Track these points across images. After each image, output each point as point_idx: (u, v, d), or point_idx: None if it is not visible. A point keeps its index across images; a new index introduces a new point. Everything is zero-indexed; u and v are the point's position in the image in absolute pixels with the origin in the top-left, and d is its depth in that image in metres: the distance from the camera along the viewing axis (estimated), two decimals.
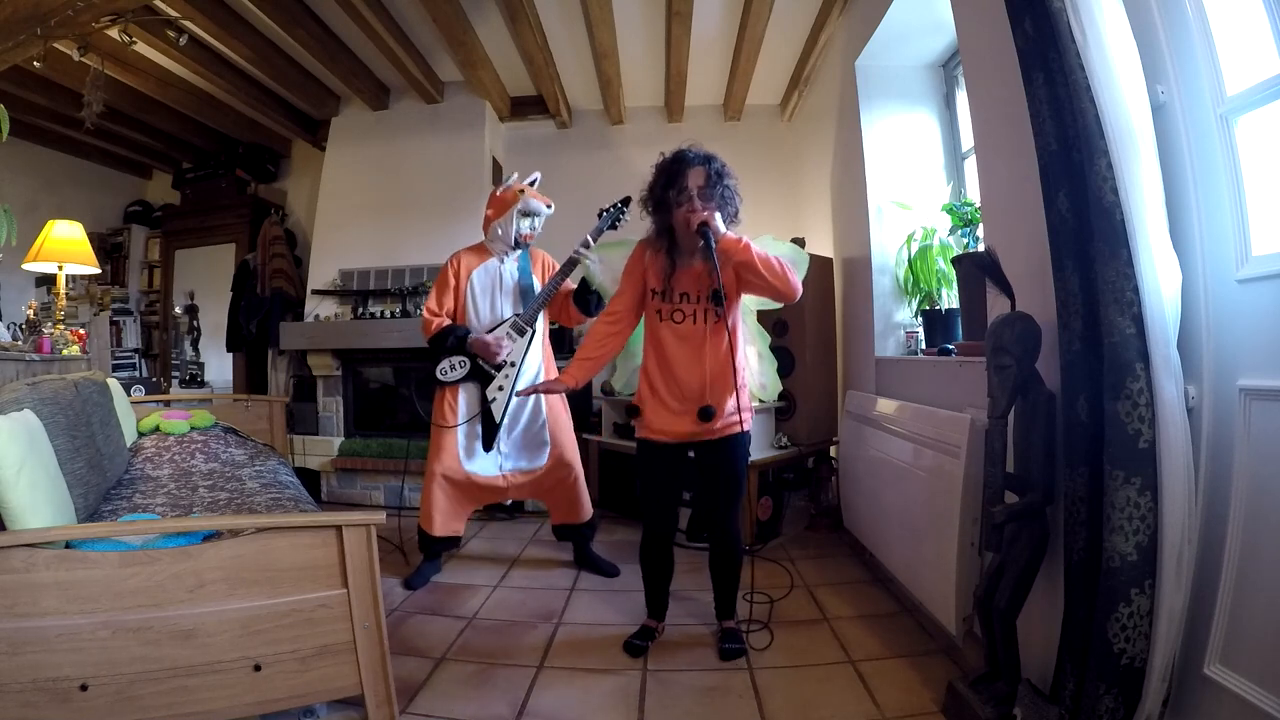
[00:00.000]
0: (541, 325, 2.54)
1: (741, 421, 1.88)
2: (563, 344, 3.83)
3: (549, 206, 2.52)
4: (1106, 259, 1.24)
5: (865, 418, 2.64)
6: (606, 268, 2.41)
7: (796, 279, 1.77)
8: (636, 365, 2.34)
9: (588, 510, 2.65)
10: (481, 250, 2.56)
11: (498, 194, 2.52)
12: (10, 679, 1.20)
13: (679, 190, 1.78)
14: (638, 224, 2.08)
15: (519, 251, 2.56)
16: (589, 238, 2.40)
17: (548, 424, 2.54)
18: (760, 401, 2.77)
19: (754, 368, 2.08)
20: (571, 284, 2.52)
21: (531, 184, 2.53)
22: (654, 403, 1.89)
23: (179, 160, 4.95)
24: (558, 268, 2.52)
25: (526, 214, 2.48)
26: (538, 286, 2.53)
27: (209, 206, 4.78)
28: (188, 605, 1.32)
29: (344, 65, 3.63)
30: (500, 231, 2.49)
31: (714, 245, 1.71)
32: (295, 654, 1.38)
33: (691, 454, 1.95)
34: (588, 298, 2.44)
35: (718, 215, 1.75)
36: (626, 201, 2.46)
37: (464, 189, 3.97)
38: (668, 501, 1.98)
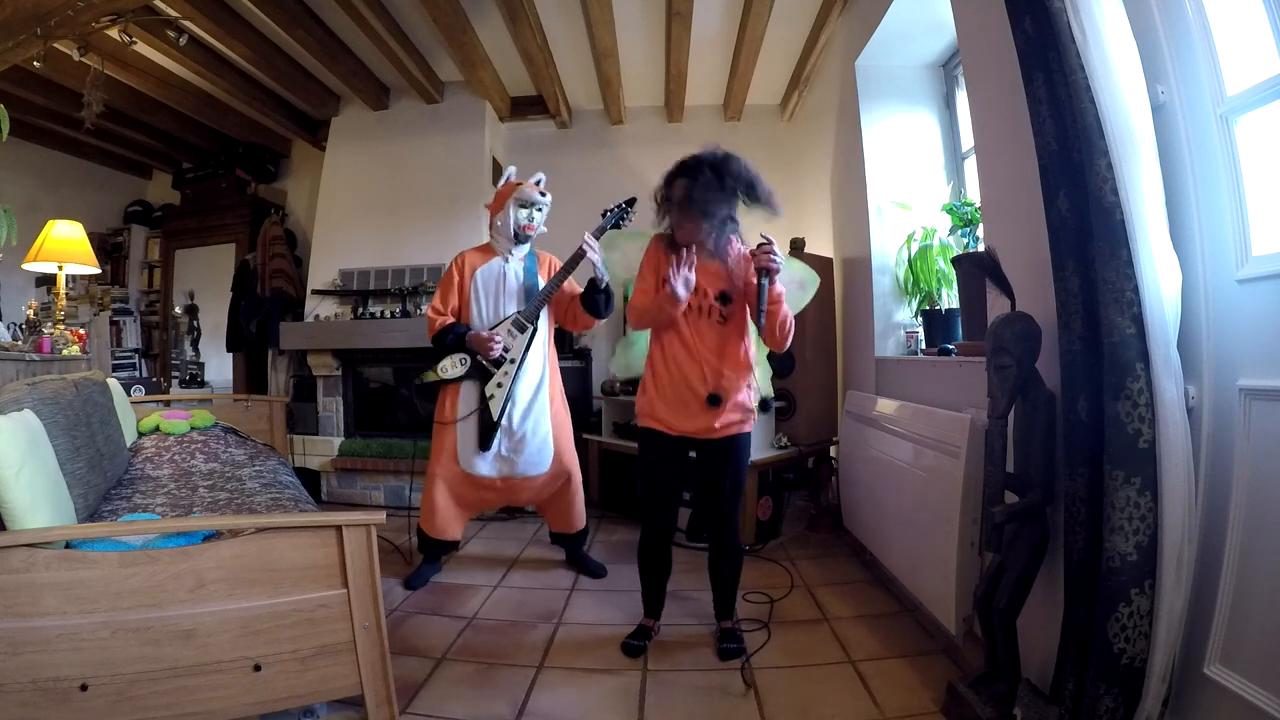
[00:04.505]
0: (544, 323, 2.52)
1: (744, 422, 1.90)
2: (564, 345, 3.83)
3: (544, 195, 2.53)
4: (1106, 259, 1.24)
5: (865, 418, 2.64)
6: (623, 257, 2.42)
7: (789, 339, 1.85)
8: (634, 350, 2.35)
9: (581, 520, 2.66)
10: (487, 250, 2.57)
11: (497, 189, 2.55)
12: (10, 679, 1.20)
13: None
14: (646, 216, 2.09)
15: (525, 250, 2.55)
16: (591, 235, 2.39)
17: (552, 431, 2.52)
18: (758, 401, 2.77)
19: None
20: (578, 286, 2.51)
21: (536, 184, 2.53)
22: (657, 397, 1.90)
23: (179, 160, 4.95)
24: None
25: (524, 204, 2.48)
26: (542, 286, 2.52)
27: (209, 206, 4.77)
28: (188, 605, 1.32)
29: (344, 65, 3.63)
30: (500, 224, 2.50)
31: (765, 294, 1.75)
32: (295, 654, 1.38)
33: (693, 454, 1.95)
34: (596, 298, 2.42)
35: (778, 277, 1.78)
36: (631, 202, 2.48)
37: (464, 189, 3.97)
38: (668, 497, 1.98)
